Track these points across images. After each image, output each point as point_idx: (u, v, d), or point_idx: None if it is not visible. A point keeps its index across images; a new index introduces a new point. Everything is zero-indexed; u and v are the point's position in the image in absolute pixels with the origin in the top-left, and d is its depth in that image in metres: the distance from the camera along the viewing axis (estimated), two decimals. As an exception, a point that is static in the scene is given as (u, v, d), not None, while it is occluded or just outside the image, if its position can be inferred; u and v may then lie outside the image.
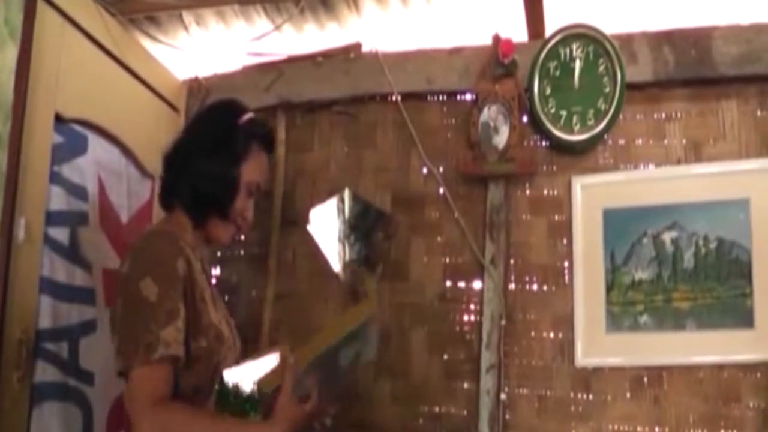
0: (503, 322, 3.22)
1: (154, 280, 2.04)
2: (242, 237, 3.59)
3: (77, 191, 2.88)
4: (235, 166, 2.29)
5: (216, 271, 3.68)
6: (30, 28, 2.60)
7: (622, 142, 3.25)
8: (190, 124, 2.47)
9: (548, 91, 3.26)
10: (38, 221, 2.64)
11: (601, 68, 3.19)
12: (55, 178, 2.75)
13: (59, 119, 2.78)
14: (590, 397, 3.11)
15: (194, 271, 2.17)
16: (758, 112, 3.11)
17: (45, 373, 2.63)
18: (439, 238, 3.40)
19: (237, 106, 2.44)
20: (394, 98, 3.49)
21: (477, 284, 3.31)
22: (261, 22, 3.56)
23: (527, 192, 3.34)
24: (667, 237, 3.10)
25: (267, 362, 2.31)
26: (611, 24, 3.21)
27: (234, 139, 2.31)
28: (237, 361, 2.29)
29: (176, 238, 2.20)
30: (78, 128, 2.92)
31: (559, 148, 3.29)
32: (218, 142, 2.29)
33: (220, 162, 2.27)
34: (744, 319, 2.96)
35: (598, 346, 3.12)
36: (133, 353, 1.98)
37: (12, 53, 2.55)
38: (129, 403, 2.02)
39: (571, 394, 3.13)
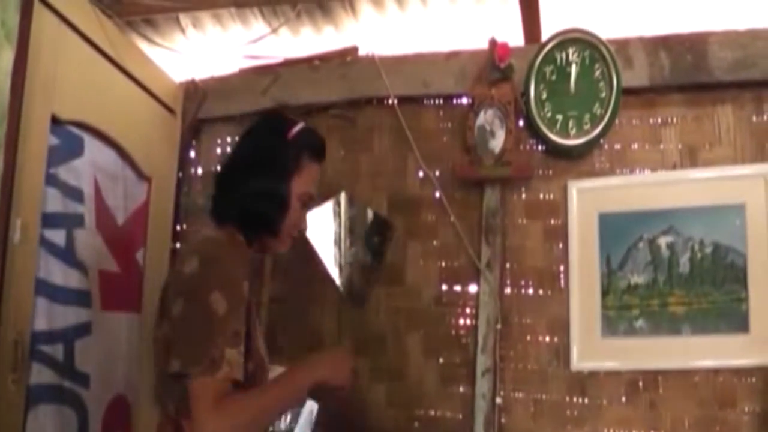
0: (499, 326, 3.21)
1: (224, 296, 2.00)
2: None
3: (73, 193, 2.87)
4: (285, 182, 2.25)
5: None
6: (26, 29, 2.59)
7: (618, 146, 3.25)
8: (239, 142, 2.40)
9: (544, 96, 3.26)
10: (34, 223, 2.63)
11: (597, 73, 3.19)
12: (51, 180, 2.74)
13: (55, 121, 2.76)
14: (586, 401, 3.11)
15: (251, 292, 2.16)
16: (754, 118, 3.12)
17: (40, 375, 2.62)
18: (435, 242, 3.40)
19: (285, 119, 2.42)
20: (390, 102, 3.49)
21: (473, 288, 3.31)
22: (258, 25, 3.57)
23: (523, 196, 3.35)
24: (663, 242, 3.10)
25: None
26: (607, 29, 3.22)
27: (283, 155, 2.27)
28: None
29: (246, 259, 2.19)
30: (74, 130, 2.91)
31: (555, 152, 3.30)
32: (266, 159, 2.26)
33: (268, 180, 2.24)
34: (739, 323, 2.96)
35: (593, 350, 3.12)
36: (196, 361, 1.93)
37: (8, 55, 2.53)
38: (192, 411, 1.94)
39: (567, 398, 3.14)
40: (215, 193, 2.33)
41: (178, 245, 3.72)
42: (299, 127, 2.32)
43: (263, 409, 2.05)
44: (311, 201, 2.35)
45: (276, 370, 2.26)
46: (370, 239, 3.49)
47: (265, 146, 2.29)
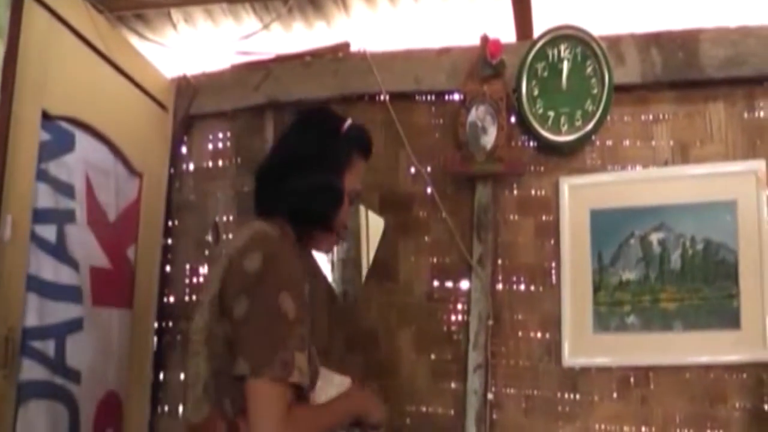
0: (490, 322, 3.22)
1: (292, 298, 1.98)
2: (230, 236, 3.62)
3: (64, 189, 2.86)
4: (340, 178, 2.26)
5: (204, 270, 3.67)
6: (17, 24, 2.58)
7: (609, 143, 3.26)
8: (288, 136, 2.37)
9: (536, 92, 3.26)
10: (25, 219, 2.62)
11: (589, 69, 3.19)
12: (42, 176, 2.73)
13: (46, 116, 2.75)
14: (577, 397, 3.12)
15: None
16: (745, 115, 3.14)
17: (31, 371, 2.61)
18: (426, 238, 3.40)
19: (334, 114, 2.42)
20: (382, 98, 3.48)
21: (464, 284, 3.32)
22: (249, 20, 3.56)
23: (515, 192, 3.35)
24: (654, 238, 3.11)
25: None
26: (599, 25, 3.22)
27: (337, 150, 2.27)
28: None
29: (303, 260, 2.19)
30: (65, 126, 2.90)
31: (547, 148, 3.30)
32: (322, 154, 2.25)
33: (326, 175, 2.23)
34: (730, 320, 2.98)
35: (585, 346, 3.13)
36: (266, 363, 1.92)
37: (-1, 50, 2.54)
38: (256, 414, 1.93)
39: (558, 394, 3.15)
40: (263, 186, 2.29)
41: (169, 241, 3.74)
42: (349, 122, 2.34)
43: (322, 427, 2.09)
44: (357, 198, 2.37)
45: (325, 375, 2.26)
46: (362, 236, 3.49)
47: (319, 141, 2.28)
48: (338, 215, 2.27)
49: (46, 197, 2.75)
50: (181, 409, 3.56)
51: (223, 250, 2.23)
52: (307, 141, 2.28)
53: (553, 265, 3.24)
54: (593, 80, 3.18)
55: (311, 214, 2.23)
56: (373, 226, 3.45)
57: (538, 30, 3.33)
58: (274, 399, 1.91)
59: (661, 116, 3.22)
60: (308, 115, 2.46)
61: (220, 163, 3.75)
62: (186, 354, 2.19)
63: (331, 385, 2.26)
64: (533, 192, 3.33)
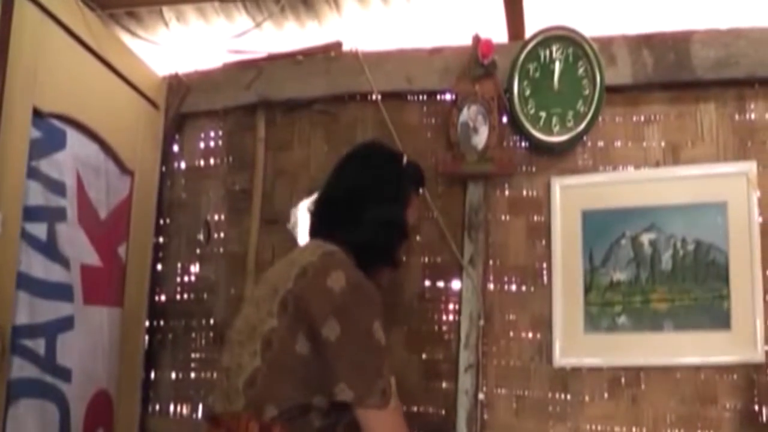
0: (482, 322, 3.22)
1: (381, 325, 2.07)
2: (222, 235, 3.64)
3: (55, 186, 2.86)
4: (405, 212, 2.35)
5: (195, 269, 3.67)
6: (8, 21, 2.58)
7: (601, 144, 3.26)
8: (355, 168, 2.41)
9: (528, 93, 3.26)
10: (15, 216, 2.62)
11: (581, 70, 3.19)
12: (33, 173, 2.73)
13: (37, 114, 2.75)
14: (568, 397, 3.12)
15: None
16: (736, 116, 3.14)
17: (21, 369, 2.61)
18: (418, 238, 3.39)
19: (392, 149, 2.55)
20: (374, 97, 3.48)
21: (456, 284, 3.31)
22: (241, 19, 3.55)
23: (506, 192, 3.35)
24: (645, 239, 3.11)
25: None
26: (591, 26, 3.22)
27: (401, 186, 2.36)
28: None
29: None
30: (56, 123, 2.89)
31: (539, 149, 3.30)
32: (392, 188, 2.33)
33: (395, 209, 2.32)
34: (721, 320, 2.98)
35: (576, 346, 3.13)
36: (367, 392, 2.00)
37: (-11, 47, 2.54)
38: None
39: (549, 395, 3.15)
40: (331, 212, 2.34)
41: (161, 239, 3.74)
42: (406, 158, 2.43)
43: None
44: (410, 233, 2.43)
45: None
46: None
47: (387, 175, 2.36)
48: (400, 249, 2.37)
49: (36, 195, 2.74)
50: (171, 405, 3.58)
51: (289, 255, 2.27)
52: (375, 175, 2.36)
53: (545, 265, 3.24)
54: (585, 81, 3.18)
55: (380, 248, 2.30)
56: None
57: (530, 30, 3.33)
58: (382, 427, 2.04)
59: (652, 117, 3.22)
60: (370, 149, 2.54)
61: (212, 161, 3.75)
62: (225, 343, 2.26)
63: None
64: (525, 192, 3.33)
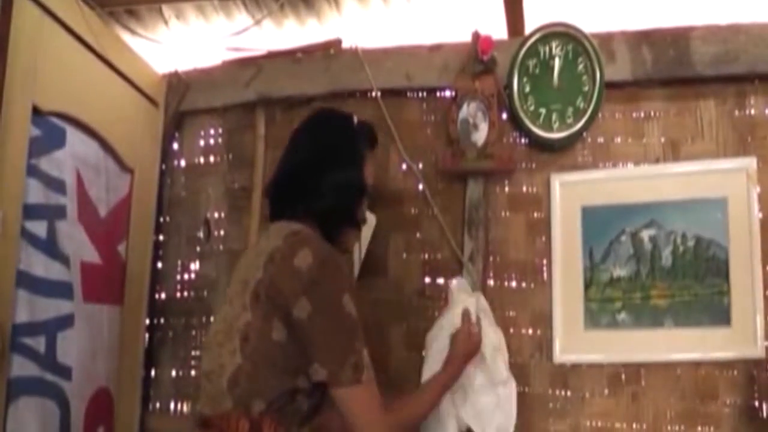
0: (482, 319, 3.21)
1: (351, 298, 2.08)
2: (222, 232, 3.64)
3: (55, 184, 2.86)
4: (362, 173, 2.35)
5: (195, 267, 3.67)
6: (7, 19, 2.58)
7: (600, 140, 3.26)
8: (305, 138, 2.42)
9: (527, 89, 3.26)
10: (15, 214, 2.62)
11: (580, 67, 3.19)
12: (33, 171, 2.73)
13: (37, 112, 2.74)
14: (568, 393, 3.13)
15: None
16: (736, 112, 3.14)
17: (22, 367, 2.61)
18: (418, 235, 3.40)
19: (343, 112, 2.52)
20: (373, 95, 3.48)
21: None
22: (241, 17, 3.55)
23: (506, 189, 3.35)
24: (645, 235, 3.12)
25: None
26: (590, 23, 3.22)
27: (355, 147, 2.36)
28: None
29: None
30: (56, 121, 2.89)
31: (538, 145, 3.30)
32: (344, 151, 2.33)
33: (350, 171, 2.32)
34: (721, 316, 2.99)
35: (576, 342, 3.13)
36: (339, 369, 2.03)
37: (-12, 45, 2.54)
38: (355, 418, 2.08)
39: (549, 391, 3.15)
40: (287, 190, 2.34)
41: (161, 237, 3.74)
42: (356, 118, 2.45)
43: (420, 415, 2.36)
44: (370, 191, 2.44)
45: None
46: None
47: (339, 140, 2.36)
48: (360, 209, 2.38)
49: (36, 193, 2.74)
50: (173, 404, 3.58)
51: (255, 246, 2.30)
52: (328, 141, 2.36)
53: (544, 261, 3.24)
54: (584, 77, 3.18)
55: (341, 211, 2.31)
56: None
57: (529, 27, 3.33)
58: (365, 400, 2.09)
59: (652, 113, 3.22)
60: (320, 116, 2.52)
61: (212, 159, 3.75)
62: (204, 347, 2.25)
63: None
64: (524, 189, 3.33)
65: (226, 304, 2.19)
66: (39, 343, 2.71)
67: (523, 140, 3.35)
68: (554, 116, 3.22)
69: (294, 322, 2.02)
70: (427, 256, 3.39)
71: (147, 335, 3.62)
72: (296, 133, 2.43)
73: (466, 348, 2.57)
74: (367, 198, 2.44)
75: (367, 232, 3.19)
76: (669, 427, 3.00)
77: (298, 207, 2.28)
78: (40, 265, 2.75)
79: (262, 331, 2.03)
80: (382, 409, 2.12)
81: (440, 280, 3.35)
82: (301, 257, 2.04)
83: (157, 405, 3.59)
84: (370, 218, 3.03)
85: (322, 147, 2.34)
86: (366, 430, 2.10)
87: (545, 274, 3.24)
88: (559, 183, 3.24)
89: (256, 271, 2.08)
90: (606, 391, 3.09)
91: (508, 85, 3.27)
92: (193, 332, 3.63)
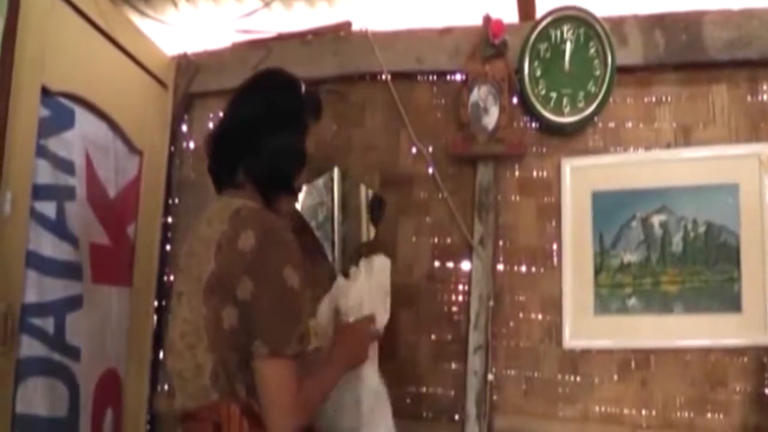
0: (491, 303, 3.21)
1: (294, 268, 2.04)
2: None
3: (64, 165, 2.86)
4: (303, 139, 2.28)
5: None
6: (17, 0, 2.57)
7: (612, 124, 3.24)
8: (248, 100, 2.32)
9: (538, 73, 3.24)
10: (25, 195, 2.62)
11: (592, 51, 3.17)
12: (42, 152, 2.73)
13: (46, 92, 2.74)
14: (577, 379, 3.12)
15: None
16: (748, 97, 3.12)
17: (31, 348, 2.61)
18: (427, 219, 3.39)
19: (293, 76, 2.41)
20: (383, 77, 3.46)
21: (465, 265, 3.31)
22: (250, -1, 3.54)
23: (516, 173, 3.33)
24: (656, 220, 3.10)
25: None
26: (602, 6, 3.20)
27: (299, 111, 2.28)
28: None
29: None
30: (65, 102, 2.89)
31: (549, 129, 3.29)
32: (289, 116, 2.25)
33: (292, 136, 2.24)
34: (731, 303, 2.97)
35: (585, 328, 3.12)
36: (285, 342, 1.99)
37: (-1, 25, 2.53)
38: (270, 394, 2.01)
39: (559, 376, 3.15)
40: (226, 154, 2.28)
41: (170, 219, 3.74)
42: (303, 85, 2.35)
43: (325, 392, 2.22)
44: (308, 160, 2.36)
45: None
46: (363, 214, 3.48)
47: (282, 102, 2.27)
48: (299, 177, 2.30)
49: (45, 173, 2.74)
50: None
51: (198, 233, 2.19)
52: (271, 103, 2.28)
53: (555, 246, 3.23)
54: (596, 61, 3.16)
55: (278, 177, 2.24)
56: (374, 207, 3.45)
57: (540, 11, 3.31)
58: (286, 378, 2.00)
59: (663, 98, 3.20)
60: (265, 77, 2.44)
61: (221, 141, 3.73)
62: (167, 349, 2.19)
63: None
64: (535, 173, 3.31)
65: (180, 304, 2.15)
66: (48, 324, 2.72)
67: (533, 124, 3.34)
68: (565, 100, 3.20)
69: (240, 304, 2.00)
70: (436, 240, 3.38)
71: (155, 317, 3.61)
72: (242, 90, 2.36)
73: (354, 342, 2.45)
74: (305, 167, 2.35)
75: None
76: (678, 414, 2.99)
77: (238, 170, 2.22)
78: (49, 246, 2.75)
79: (216, 322, 2.01)
80: (297, 395, 2.03)
81: (450, 264, 3.34)
82: (244, 239, 2.01)
83: (165, 387, 3.58)
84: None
85: (267, 108, 2.26)
86: (276, 411, 2.02)
87: (555, 259, 3.23)
88: (570, 168, 3.23)
89: (208, 264, 2.05)
90: (615, 377, 3.08)
91: (519, 69, 3.25)
92: (201, 315, 3.61)
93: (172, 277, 3.65)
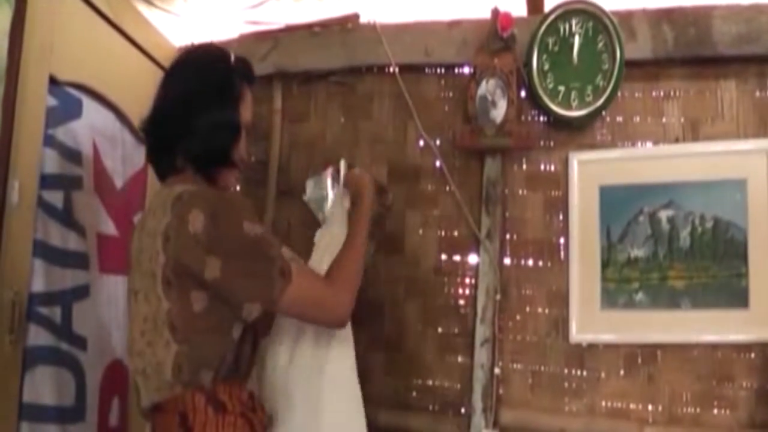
0: (498, 297, 3.21)
1: (250, 220, 2.06)
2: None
3: (71, 155, 2.84)
4: (237, 110, 2.26)
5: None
6: (26, -11, 2.57)
7: (620, 119, 3.24)
8: (176, 78, 2.32)
9: (547, 67, 3.23)
10: (32, 184, 2.61)
11: (600, 44, 3.16)
12: (50, 141, 2.71)
13: (54, 82, 2.73)
14: (584, 373, 3.12)
15: None
16: (757, 93, 3.11)
17: (38, 336, 2.60)
18: (435, 211, 3.39)
19: (220, 48, 2.40)
20: (391, 70, 3.46)
21: (472, 258, 3.31)
22: (258, -11, 3.53)
23: (524, 167, 3.33)
24: (663, 215, 3.10)
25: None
26: (611, 0, 3.18)
27: (231, 83, 2.26)
28: None
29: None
30: (72, 91, 2.87)
31: (557, 123, 3.28)
32: (219, 90, 2.23)
33: (223, 110, 2.22)
34: (739, 299, 2.97)
35: (592, 322, 3.12)
36: (270, 289, 2.04)
37: (6, 14, 2.52)
38: (312, 312, 2.16)
39: (565, 370, 3.15)
40: (160, 136, 2.27)
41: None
42: (233, 54, 2.34)
43: (358, 263, 2.32)
44: (251, 128, 2.37)
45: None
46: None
47: (212, 77, 2.26)
48: (238, 148, 2.28)
49: (53, 163, 2.73)
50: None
51: (145, 226, 2.15)
52: (202, 79, 2.26)
53: (562, 240, 3.23)
54: (604, 55, 3.15)
55: (215, 152, 2.23)
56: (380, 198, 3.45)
57: (549, 4, 3.30)
58: (304, 289, 2.11)
59: (672, 93, 3.20)
60: (193, 53, 2.43)
61: (228, 132, 3.73)
62: (131, 348, 2.14)
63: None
64: (542, 167, 3.31)
65: (137, 302, 2.13)
66: (55, 313, 2.71)
67: (541, 118, 3.33)
68: (573, 94, 3.19)
69: (209, 284, 1.99)
70: (443, 232, 3.38)
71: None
72: (169, 70, 2.37)
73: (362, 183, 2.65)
74: (248, 135, 2.36)
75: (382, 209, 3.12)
76: (685, 409, 2.99)
77: (176, 154, 2.21)
78: (57, 235, 2.74)
79: (183, 309, 2.01)
80: (326, 283, 2.19)
81: (457, 257, 3.34)
82: (193, 221, 1.99)
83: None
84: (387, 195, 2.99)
85: (194, 85, 2.24)
86: (327, 314, 2.19)
87: (562, 253, 3.23)
88: (578, 161, 3.23)
89: (159, 257, 2.02)
90: (622, 372, 3.08)
91: (527, 63, 3.25)
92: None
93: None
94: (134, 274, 2.19)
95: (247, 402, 2.12)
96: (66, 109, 2.83)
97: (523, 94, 3.31)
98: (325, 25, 3.58)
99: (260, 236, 2.06)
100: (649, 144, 3.20)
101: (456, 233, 3.36)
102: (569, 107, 3.19)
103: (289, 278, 2.05)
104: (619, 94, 3.18)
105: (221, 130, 2.22)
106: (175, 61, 2.39)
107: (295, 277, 2.06)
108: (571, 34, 3.22)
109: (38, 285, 2.62)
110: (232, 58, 2.33)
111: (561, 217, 3.25)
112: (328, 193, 2.76)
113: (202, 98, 2.21)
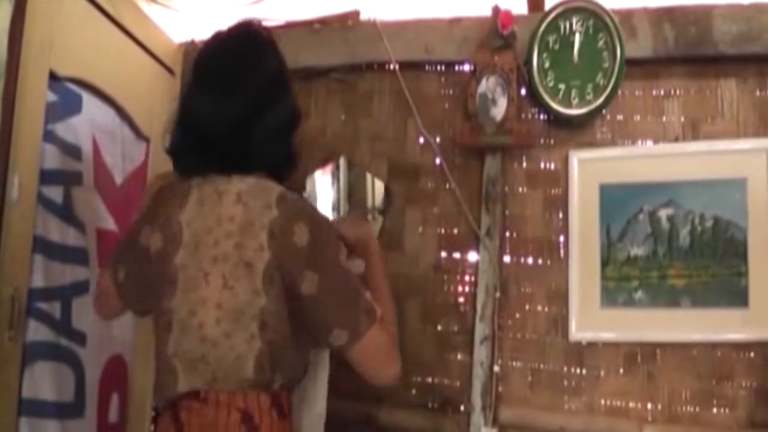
0: (498, 294, 3.20)
1: (342, 251, 2.11)
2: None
3: (71, 150, 2.84)
4: (296, 99, 2.22)
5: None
6: (26, -16, 2.56)
7: (620, 117, 3.24)
8: (242, 74, 2.14)
9: (547, 65, 3.22)
10: (32, 180, 2.60)
11: (601, 43, 3.16)
12: (49, 137, 2.71)
13: (54, 77, 2.72)
14: (583, 371, 3.11)
15: None
16: (757, 92, 3.10)
17: (37, 332, 2.61)
18: (434, 209, 3.39)
19: (260, 24, 2.37)
20: (391, 67, 3.45)
21: (472, 256, 3.30)
22: (258, -14, 3.52)
23: (524, 165, 3.33)
24: (663, 214, 3.10)
25: None
26: (612, -1, 3.19)
27: (286, 70, 2.26)
28: None
29: None
30: (72, 87, 2.87)
31: (557, 121, 3.28)
32: (283, 82, 2.20)
33: (291, 106, 2.18)
34: (738, 298, 2.97)
35: (592, 320, 3.12)
36: (357, 321, 2.03)
37: (6, 10, 2.50)
38: (372, 359, 2.11)
39: (565, 369, 3.14)
40: (230, 144, 2.09)
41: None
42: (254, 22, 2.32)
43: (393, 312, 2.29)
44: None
45: None
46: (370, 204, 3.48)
47: (274, 67, 2.22)
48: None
49: (52, 158, 2.73)
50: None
51: (218, 210, 2.03)
52: (278, 64, 2.24)
53: (561, 238, 3.23)
54: (605, 54, 3.15)
55: (292, 156, 2.21)
56: (379, 195, 3.45)
57: (549, 2, 3.30)
58: (379, 338, 2.09)
59: (672, 92, 3.19)
60: (253, 32, 2.31)
61: (228, 128, 3.72)
62: (182, 327, 2.03)
63: None
64: (542, 165, 3.30)
65: (207, 285, 1.99)
66: (54, 309, 2.71)
67: (541, 116, 3.33)
68: (573, 92, 3.18)
69: (303, 298, 1.98)
70: (443, 230, 3.37)
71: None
72: (221, 66, 2.18)
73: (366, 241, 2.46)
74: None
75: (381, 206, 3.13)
76: (684, 408, 2.99)
77: (250, 159, 2.10)
78: (56, 231, 2.74)
79: (279, 311, 1.98)
80: (392, 345, 2.17)
81: (456, 255, 3.34)
82: (299, 234, 1.97)
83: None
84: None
85: (277, 71, 2.20)
86: (391, 367, 2.18)
87: (562, 251, 3.22)
88: (578, 160, 3.22)
89: (261, 252, 1.96)
90: (621, 370, 3.07)
91: (528, 61, 3.24)
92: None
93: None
94: (196, 253, 2.02)
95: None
96: (66, 105, 2.83)
97: (523, 92, 3.30)
98: (326, 22, 3.57)
99: (351, 269, 2.09)
100: (649, 142, 3.19)
101: (456, 231, 3.35)
102: (569, 105, 3.18)
103: (374, 318, 2.05)
104: (619, 92, 3.17)
105: (290, 130, 2.18)
106: (226, 43, 2.26)
107: (378, 320, 2.07)
108: (572, 32, 3.21)
109: (38, 280, 2.62)
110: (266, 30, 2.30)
111: (561, 215, 3.24)
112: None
113: (275, 89, 2.16)
